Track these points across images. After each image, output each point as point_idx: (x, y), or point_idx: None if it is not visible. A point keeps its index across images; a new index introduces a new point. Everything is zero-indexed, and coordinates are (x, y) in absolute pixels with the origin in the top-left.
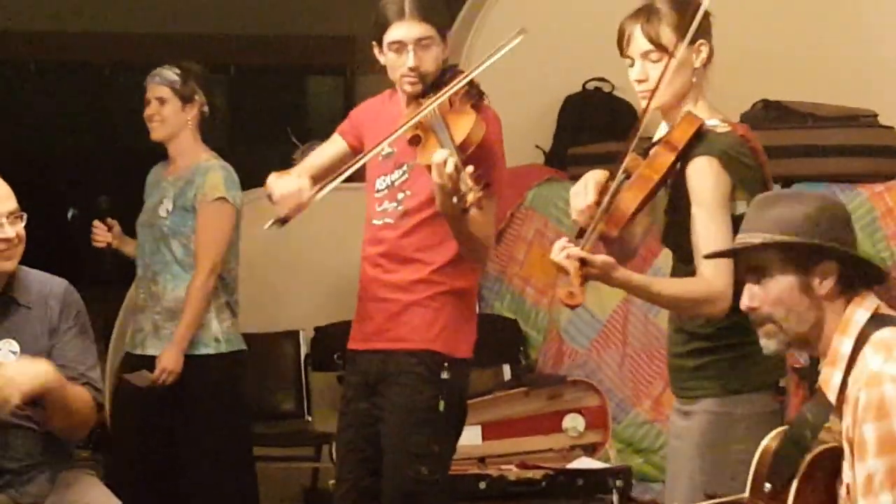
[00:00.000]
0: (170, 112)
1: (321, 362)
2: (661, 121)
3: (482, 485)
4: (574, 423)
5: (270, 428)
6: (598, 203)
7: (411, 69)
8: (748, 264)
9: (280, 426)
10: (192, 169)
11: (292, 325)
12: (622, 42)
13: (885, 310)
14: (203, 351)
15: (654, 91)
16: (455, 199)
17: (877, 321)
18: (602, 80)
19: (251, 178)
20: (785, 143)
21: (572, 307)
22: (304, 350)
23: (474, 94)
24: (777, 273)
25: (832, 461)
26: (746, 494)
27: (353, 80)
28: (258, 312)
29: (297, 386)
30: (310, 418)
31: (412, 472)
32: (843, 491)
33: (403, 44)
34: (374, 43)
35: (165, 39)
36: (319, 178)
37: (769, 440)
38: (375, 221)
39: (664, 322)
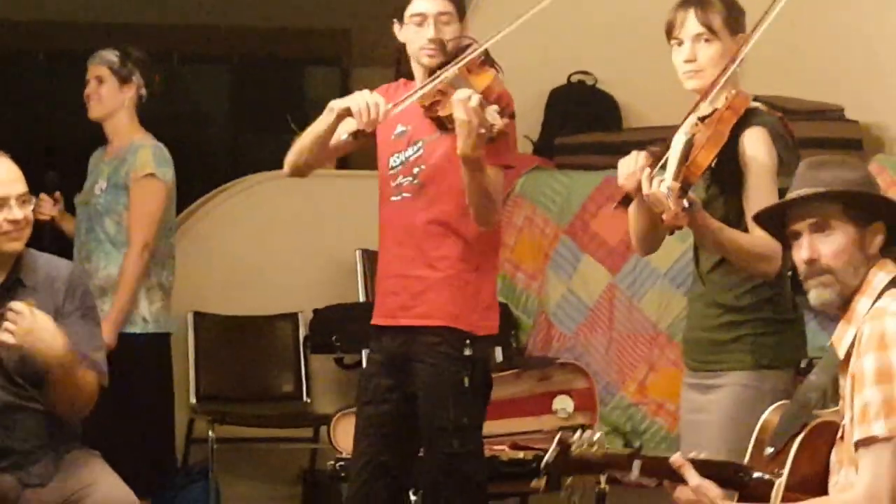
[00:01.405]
0: (107, 91)
1: (320, 344)
2: (645, 115)
3: (483, 457)
4: (563, 404)
5: (269, 409)
6: (651, 166)
7: (431, 40)
8: (808, 217)
9: (279, 407)
10: (126, 148)
11: (291, 307)
12: (672, 27)
13: None
14: (129, 330)
15: (711, 87)
16: (482, 130)
17: (894, 284)
18: (585, 73)
19: (251, 163)
20: None
21: (678, 228)
22: (302, 332)
23: (491, 64)
24: (839, 225)
25: (830, 434)
26: (746, 460)
27: (349, 71)
28: (257, 295)
29: (296, 368)
30: (308, 400)
31: (446, 448)
32: (836, 455)
33: (425, 16)
34: (395, 20)
35: (170, 30)
36: (324, 153)
37: (770, 413)
38: (394, 198)
39: (648, 308)
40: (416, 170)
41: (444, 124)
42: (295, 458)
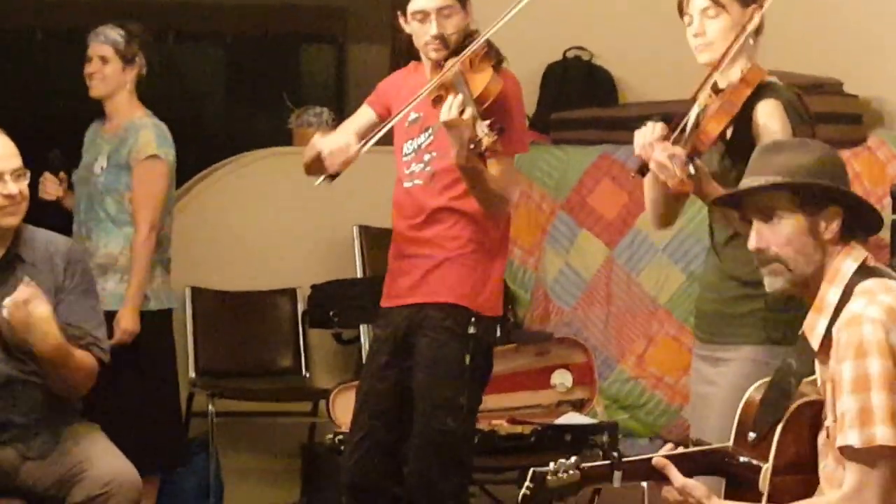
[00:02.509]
0: (111, 71)
1: (318, 320)
2: (641, 89)
3: (473, 439)
4: (562, 378)
5: (268, 384)
6: (665, 138)
7: (434, 37)
8: (756, 207)
9: (278, 382)
10: (126, 127)
11: (289, 283)
12: (681, 3)
13: (873, 261)
14: None
15: (722, 58)
16: (472, 146)
17: (863, 272)
18: (581, 48)
19: (248, 140)
20: None
21: (685, 193)
22: (301, 307)
23: (493, 55)
24: (786, 214)
25: (814, 414)
26: (731, 444)
27: (345, 49)
28: (256, 271)
29: (295, 343)
30: (307, 374)
31: (439, 424)
32: (822, 437)
33: (426, 13)
34: (399, 13)
35: (165, 8)
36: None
37: (753, 391)
38: (406, 184)
39: (646, 282)
40: (426, 157)
41: None
42: (294, 431)
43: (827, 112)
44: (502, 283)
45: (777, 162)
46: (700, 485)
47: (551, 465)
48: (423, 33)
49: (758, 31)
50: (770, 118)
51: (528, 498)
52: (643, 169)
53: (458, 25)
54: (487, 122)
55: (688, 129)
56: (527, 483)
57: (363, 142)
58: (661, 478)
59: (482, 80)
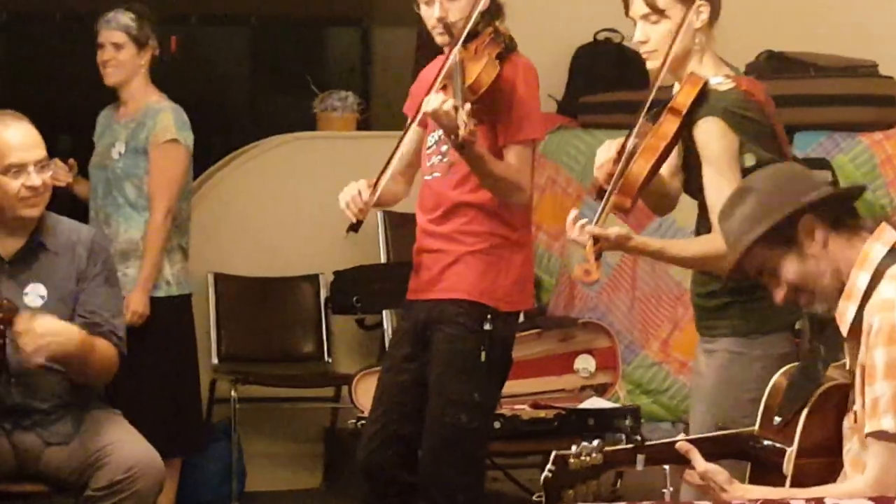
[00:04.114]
0: (126, 57)
1: (341, 306)
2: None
3: (496, 424)
4: (585, 363)
5: (291, 369)
6: (616, 161)
7: (438, 19)
8: (754, 270)
9: (301, 368)
10: (143, 111)
11: (312, 268)
12: (626, 7)
13: None
14: (154, 294)
15: (661, 66)
16: (452, 137)
17: (894, 255)
18: (612, 30)
19: (272, 125)
20: (788, 92)
21: (589, 284)
22: (323, 294)
23: (499, 42)
24: (777, 262)
25: (840, 397)
26: (756, 428)
27: (370, 32)
28: (279, 256)
29: (318, 329)
30: (329, 360)
31: (452, 420)
32: (848, 421)
33: None
34: None
35: None
36: (414, 164)
37: (779, 376)
38: (426, 177)
39: (672, 267)
40: (444, 147)
41: None
42: (317, 417)
43: (861, 94)
44: (531, 276)
45: (735, 223)
46: (722, 470)
47: (573, 447)
48: (428, 17)
49: (712, 20)
50: (706, 141)
51: (550, 480)
52: (601, 194)
53: (464, 9)
54: (468, 110)
55: (616, 179)
56: (549, 466)
57: (374, 188)
58: (684, 461)
59: (475, 68)
